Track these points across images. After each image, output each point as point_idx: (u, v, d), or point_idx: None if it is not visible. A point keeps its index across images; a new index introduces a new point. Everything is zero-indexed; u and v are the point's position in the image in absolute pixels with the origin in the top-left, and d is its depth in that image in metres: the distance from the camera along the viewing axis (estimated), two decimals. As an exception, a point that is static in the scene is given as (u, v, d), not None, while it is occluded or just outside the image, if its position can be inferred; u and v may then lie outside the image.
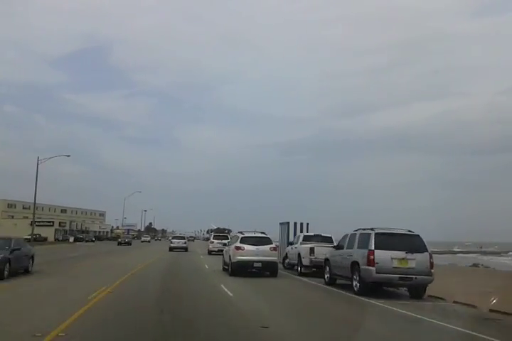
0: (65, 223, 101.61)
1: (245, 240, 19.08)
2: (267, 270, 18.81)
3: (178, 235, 59.69)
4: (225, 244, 30.32)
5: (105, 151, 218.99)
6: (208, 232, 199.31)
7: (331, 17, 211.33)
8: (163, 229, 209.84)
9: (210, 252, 38.52)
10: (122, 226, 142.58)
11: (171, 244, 45.14)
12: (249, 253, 18.35)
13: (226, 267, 20.20)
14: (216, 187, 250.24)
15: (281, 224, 27.37)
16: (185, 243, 45.62)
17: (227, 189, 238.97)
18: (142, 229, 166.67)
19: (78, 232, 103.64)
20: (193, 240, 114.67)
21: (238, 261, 18.38)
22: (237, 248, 18.71)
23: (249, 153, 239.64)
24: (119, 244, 63.24)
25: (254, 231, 20.99)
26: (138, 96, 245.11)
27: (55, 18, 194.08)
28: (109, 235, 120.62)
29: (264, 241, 19.19)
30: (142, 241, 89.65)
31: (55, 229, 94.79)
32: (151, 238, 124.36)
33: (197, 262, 28.47)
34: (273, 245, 19.37)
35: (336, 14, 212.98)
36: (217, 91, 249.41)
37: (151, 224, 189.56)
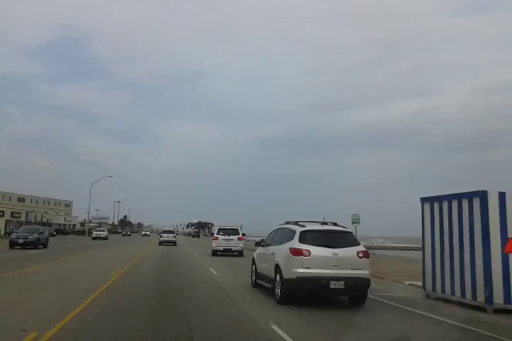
0: (20, 213, 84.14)
1: (308, 237, 10.04)
2: (352, 293, 9.88)
3: (167, 229, 59.15)
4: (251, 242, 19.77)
5: (81, 143, 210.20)
6: (188, 226, 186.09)
7: (312, 13, 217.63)
8: (139, 223, 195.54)
9: (214, 252, 27.71)
10: (94, 218, 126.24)
11: (161, 238, 45.33)
12: (321, 261, 9.57)
13: (264, 283, 11.51)
14: (195, 182, 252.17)
15: (433, 199, 11.46)
16: (174, 237, 45.95)
17: (207, 183, 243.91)
18: (116, 223, 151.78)
19: (38, 225, 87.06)
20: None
21: (300, 278, 9.48)
22: (296, 251, 9.72)
23: (228, 148, 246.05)
24: (13, 245, 30.96)
25: (322, 222, 10.93)
26: (116, 88, 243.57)
27: (32, 7, 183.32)
28: (77, 228, 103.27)
29: (344, 239, 10.13)
30: (94, 238, 56.76)
31: (6, 221, 77.78)
32: (117, 232, 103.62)
33: (213, 281, 13.20)
34: (362, 247, 10.10)
35: (317, 10, 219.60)
36: (197, 85, 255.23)
37: (125, 217, 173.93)
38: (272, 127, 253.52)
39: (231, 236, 27.74)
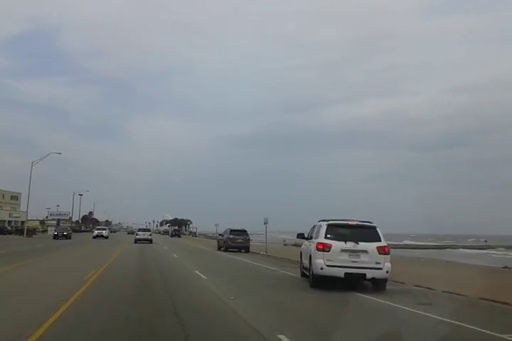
0: None
1: None
2: None
3: (143, 228, 60.63)
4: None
5: (49, 140, 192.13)
6: (162, 224, 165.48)
7: (287, 11, 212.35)
8: (107, 220, 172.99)
9: (319, 280, 12.13)
10: (51, 215, 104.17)
11: (137, 236, 44.95)
12: None
13: None
14: (168, 179, 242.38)
15: None
16: (150, 235, 45.87)
17: (180, 180, 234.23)
18: (79, 219, 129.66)
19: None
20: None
21: None
22: None
23: (202, 145, 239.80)
24: None
25: None
26: (86, 83, 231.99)
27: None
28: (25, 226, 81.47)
29: None
30: None
31: None
32: (79, 231, 77.06)
33: None
34: None
35: (291, 9, 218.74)
36: (170, 81, 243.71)
37: (91, 213, 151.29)
38: (247, 125, 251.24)
39: (361, 245, 11.88)
